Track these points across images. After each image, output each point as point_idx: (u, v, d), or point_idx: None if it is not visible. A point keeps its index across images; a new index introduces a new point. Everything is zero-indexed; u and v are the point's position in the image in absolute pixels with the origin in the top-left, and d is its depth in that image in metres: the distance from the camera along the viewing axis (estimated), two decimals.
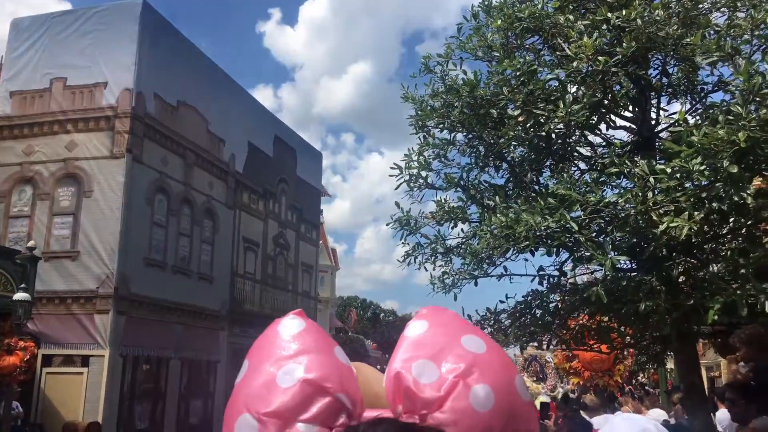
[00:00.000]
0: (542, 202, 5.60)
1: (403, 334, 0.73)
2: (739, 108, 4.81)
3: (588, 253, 5.59)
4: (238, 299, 22.22)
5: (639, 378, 20.35)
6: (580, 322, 7.56)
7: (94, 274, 16.56)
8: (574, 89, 6.45)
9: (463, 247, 7.37)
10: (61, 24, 18.54)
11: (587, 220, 5.68)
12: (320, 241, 32.24)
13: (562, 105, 5.90)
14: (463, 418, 0.64)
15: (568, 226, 5.45)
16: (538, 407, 13.15)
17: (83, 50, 18.04)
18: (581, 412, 7.87)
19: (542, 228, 5.43)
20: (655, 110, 7.13)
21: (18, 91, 18.36)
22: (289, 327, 0.72)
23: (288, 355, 0.68)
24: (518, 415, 0.67)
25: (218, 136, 21.60)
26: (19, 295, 13.72)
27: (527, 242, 5.52)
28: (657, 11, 5.88)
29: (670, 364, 14.28)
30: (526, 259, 7.03)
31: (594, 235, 5.72)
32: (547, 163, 7.39)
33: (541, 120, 6.15)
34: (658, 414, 10.07)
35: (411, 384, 0.66)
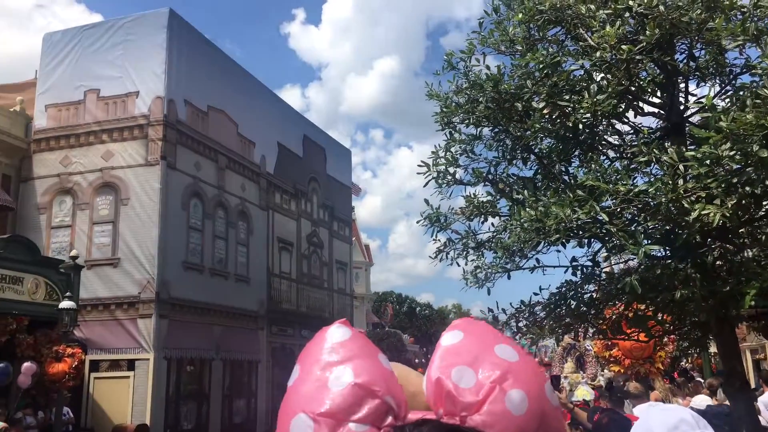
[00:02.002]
0: (571, 194, 5.58)
1: (439, 343, 0.79)
2: (766, 91, 4.74)
3: (620, 243, 5.55)
4: (275, 299, 22.51)
5: (682, 364, 20.03)
6: (617, 311, 7.50)
7: (135, 279, 16.96)
8: (599, 77, 6.40)
9: (494, 241, 7.37)
10: (92, 36, 18.96)
11: (618, 210, 5.64)
12: (353, 238, 32.43)
13: (587, 95, 5.86)
14: (500, 420, 0.69)
15: (598, 217, 5.43)
16: (580, 398, 13.07)
17: (114, 61, 18.43)
18: (625, 400, 7.82)
19: (572, 220, 5.42)
20: (683, 95, 7.03)
21: (53, 104, 18.86)
22: (336, 334, 0.79)
23: (337, 360, 0.75)
24: (549, 419, 0.72)
25: (248, 139, 21.87)
26: (65, 304, 14.14)
27: (558, 235, 5.52)
28: None
29: (713, 348, 14.05)
30: (559, 251, 7.01)
31: (626, 224, 5.68)
32: (576, 153, 7.34)
33: (567, 111, 6.12)
34: (701, 400, 9.93)
35: (452, 388, 0.71)
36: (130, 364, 16.58)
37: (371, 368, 0.73)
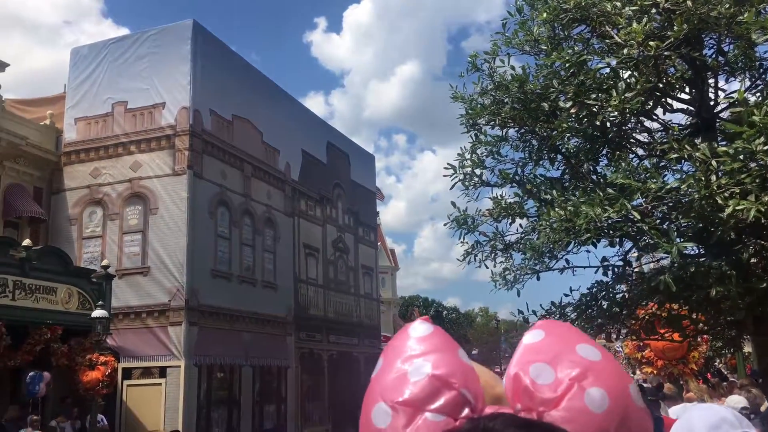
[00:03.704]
0: (601, 193, 5.53)
1: (521, 342, 0.80)
2: None
3: (653, 242, 5.48)
4: (302, 304, 22.60)
5: (716, 364, 19.67)
6: (650, 311, 7.40)
7: (164, 287, 17.17)
8: (626, 75, 6.34)
9: (522, 242, 7.34)
10: (118, 50, 19.29)
11: (649, 208, 5.58)
12: (378, 243, 32.45)
13: (615, 93, 5.81)
14: (579, 416, 0.69)
15: (629, 215, 5.38)
16: None
17: (140, 73, 18.72)
18: (660, 402, 7.71)
19: (603, 219, 5.37)
20: (713, 90, 6.93)
21: (82, 117, 19.20)
22: (418, 330, 0.81)
23: (417, 353, 0.76)
24: (632, 420, 0.72)
25: (273, 147, 22.03)
26: (97, 313, 14.36)
27: (588, 234, 5.47)
28: None
29: (748, 348, 13.78)
30: (589, 251, 6.96)
31: (657, 222, 5.61)
32: (603, 152, 7.28)
33: (594, 110, 6.08)
34: (737, 401, 9.73)
35: (529, 384, 0.72)
36: (162, 371, 16.76)
37: (450, 362, 0.74)
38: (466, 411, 0.71)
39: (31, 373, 13.38)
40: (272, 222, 21.47)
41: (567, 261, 7.00)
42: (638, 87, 5.80)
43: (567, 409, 0.70)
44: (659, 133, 6.98)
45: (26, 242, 14.55)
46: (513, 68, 6.80)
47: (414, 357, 0.75)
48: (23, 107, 19.98)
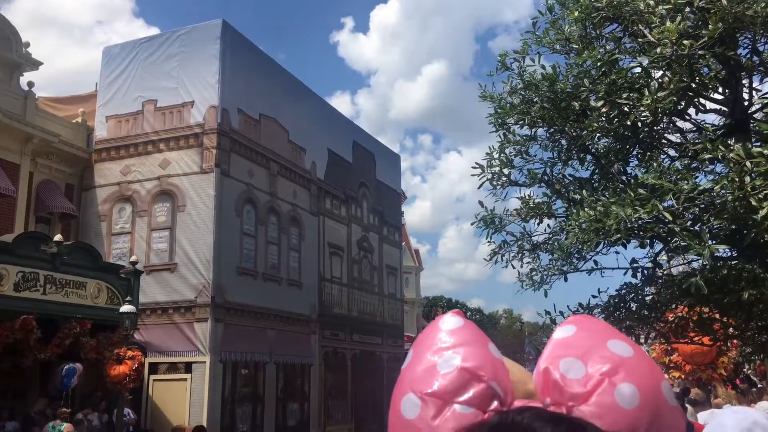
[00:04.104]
0: (632, 193, 5.47)
1: (552, 337, 0.80)
2: None
3: (684, 243, 5.41)
4: (326, 303, 22.70)
5: (745, 370, 19.32)
6: (679, 314, 7.30)
7: (191, 284, 17.36)
8: (658, 75, 6.26)
9: (550, 242, 7.29)
10: (148, 49, 19.56)
11: (681, 209, 5.51)
12: (403, 243, 32.45)
13: (647, 93, 5.74)
14: (609, 412, 0.69)
15: (660, 216, 5.31)
16: None
17: (170, 72, 18.96)
18: (688, 407, 7.60)
19: (633, 220, 5.32)
20: (747, 91, 6.82)
21: (113, 115, 19.50)
22: (449, 322, 0.81)
23: (447, 346, 0.76)
24: (664, 417, 0.71)
25: (299, 146, 22.16)
26: (125, 308, 14.57)
27: (618, 235, 5.41)
28: None
29: None
30: (617, 252, 6.89)
31: (689, 224, 5.54)
32: (634, 153, 7.20)
33: (626, 109, 6.02)
34: (767, 407, 9.56)
35: (558, 378, 0.72)
36: (188, 367, 16.95)
37: (479, 355, 0.75)
38: (495, 404, 0.71)
39: (66, 366, 13.59)
40: (297, 221, 21.60)
41: (595, 262, 6.94)
42: (671, 86, 5.73)
43: (597, 405, 0.70)
44: (691, 134, 6.88)
45: (57, 237, 14.81)
46: (543, 67, 6.76)
47: (444, 349, 0.76)
48: (56, 105, 20.36)
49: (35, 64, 18.45)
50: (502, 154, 7.29)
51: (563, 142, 7.36)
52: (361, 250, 25.84)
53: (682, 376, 14.66)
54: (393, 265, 28.62)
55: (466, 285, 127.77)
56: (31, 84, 18.18)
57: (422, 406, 0.71)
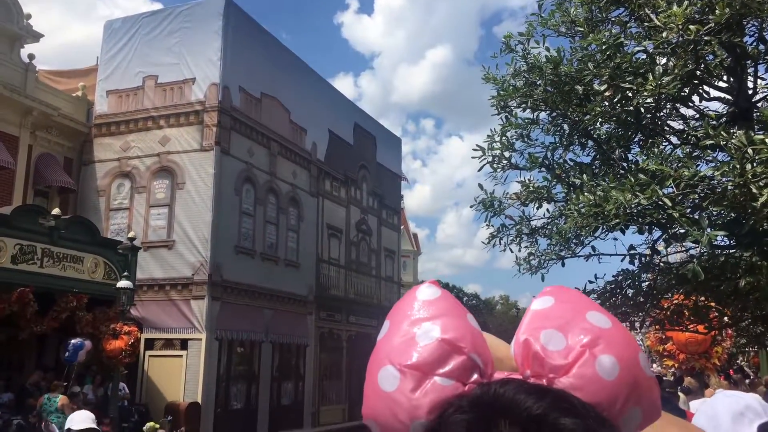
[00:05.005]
0: (632, 179, 5.45)
1: (529, 308, 0.78)
2: None
3: (683, 230, 5.40)
4: (323, 284, 22.74)
5: (738, 361, 19.42)
6: (675, 301, 7.31)
7: (188, 262, 17.37)
8: (663, 61, 6.21)
9: (549, 227, 7.27)
10: (150, 24, 19.41)
11: (680, 196, 5.49)
12: (401, 227, 32.46)
13: (651, 77, 5.70)
14: (589, 384, 0.68)
15: (660, 202, 5.29)
16: None
17: (171, 48, 18.84)
18: (681, 395, 7.64)
19: (633, 205, 5.30)
20: (752, 79, 6.77)
21: (113, 90, 19.40)
22: (426, 293, 0.79)
23: (426, 317, 0.75)
24: (642, 388, 0.71)
25: (300, 126, 22.08)
26: (122, 283, 14.60)
27: (617, 220, 5.40)
28: None
29: None
30: (616, 239, 6.87)
31: (688, 211, 5.52)
32: (636, 139, 7.16)
33: (629, 94, 5.97)
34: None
35: (539, 350, 0.70)
36: (183, 344, 17.02)
37: (459, 326, 0.73)
38: (475, 376, 0.70)
39: (74, 341, 13.60)
40: (296, 201, 21.58)
41: (593, 248, 6.92)
42: (676, 71, 5.68)
43: (577, 376, 0.68)
44: (694, 121, 6.84)
45: (55, 211, 14.81)
46: (548, 50, 6.70)
47: (422, 320, 0.74)
48: (56, 78, 20.25)
49: (36, 37, 18.31)
50: (503, 137, 7.25)
51: (565, 126, 7.31)
52: (360, 232, 25.84)
53: (676, 365, 14.73)
54: (391, 249, 28.65)
55: (464, 270, 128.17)
56: (31, 56, 18.06)
57: (401, 378, 0.70)
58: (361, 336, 24.74)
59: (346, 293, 24.15)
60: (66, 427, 3.90)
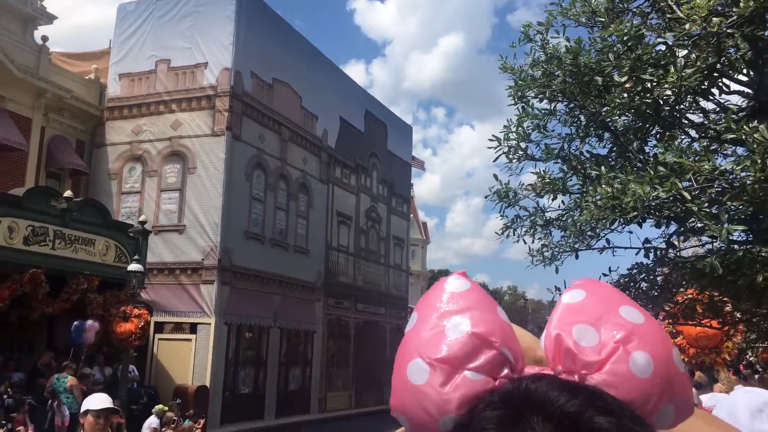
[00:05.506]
0: (651, 171, 5.40)
1: (560, 301, 0.76)
2: None
3: (701, 224, 5.35)
4: (332, 271, 22.80)
5: (747, 357, 19.36)
6: (689, 296, 7.27)
7: (199, 246, 17.45)
8: (682, 53, 6.14)
9: (563, 219, 7.23)
10: (163, 8, 19.38)
11: (698, 190, 5.44)
12: (411, 215, 32.44)
13: (673, 69, 5.63)
14: (623, 381, 0.67)
15: (679, 195, 5.24)
16: None
17: (184, 32, 18.81)
18: (693, 389, 7.62)
19: (651, 198, 5.25)
20: None
21: (126, 73, 19.41)
22: (455, 284, 0.77)
23: (455, 309, 0.74)
24: (675, 384, 0.70)
25: (311, 112, 22.05)
26: (133, 266, 14.67)
27: (635, 213, 5.35)
28: None
29: None
30: (631, 232, 6.82)
31: (706, 206, 5.47)
32: (653, 132, 7.10)
33: (649, 86, 5.90)
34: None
35: (572, 346, 0.69)
36: (193, 328, 17.13)
37: (489, 319, 0.72)
38: (505, 371, 0.68)
39: (76, 323, 13.73)
40: (307, 188, 21.59)
41: (608, 241, 6.88)
42: (699, 63, 5.61)
43: (611, 373, 0.67)
44: (714, 115, 6.77)
45: (67, 193, 14.87)
46: (568, 39, 6.62)
47: (451, 313, 0.73)
48: (69, 60, 20.27)
49: (50, 18, 18.31)
50: (519, 128, 7.19)
51: (582, 117, 7.24)
52: (369, 220, 25.86)
53: (686, 359, 14.68)
54: (400, 237, 28.66)
55: (472, 260, 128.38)
56: (45, 38, 18.07)
57: (431, 371, 0.68)
58: (368, 324, 24.83)
59: (354, 281, 24.21)
60: (84, 408, 3.91)
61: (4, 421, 11.67)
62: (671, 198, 5.34)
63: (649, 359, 0.68)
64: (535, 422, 0.60)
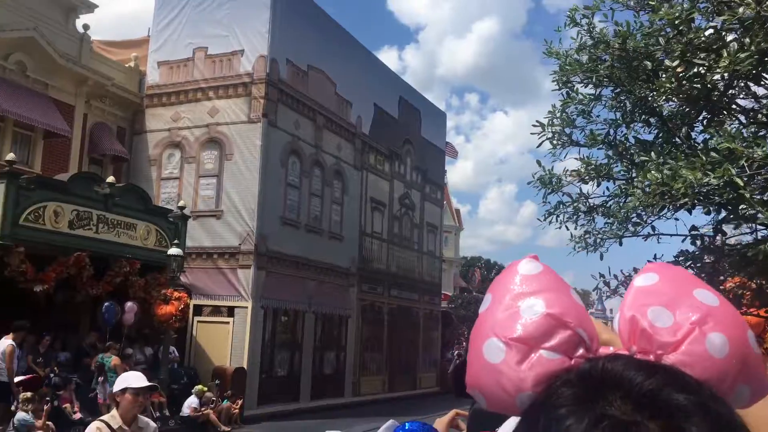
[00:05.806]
0: (703, 157, 5.33)
1: (632, 284, 0.78)
2: None
3: (752, 211, 5.27)
4: (366, 257, 22.92)
5: None
6: (735, 284, 7.17)
7: (236, 231, 17.69)
8: (731, 38, 6.02)
9: (607, 205, 7.17)
10: None
11: (749, 177, 5.36)
12: (444, 202, 32.35)
13: (726, 54, 5.53)
14: (700, 361, 0.68)
15: (731, 182, 5.17)
16: None
17: (221, 20, 18.97)
18: None
19: (703, 184, 5.19)
20: None
21: (164, 61, 19.67)
22: (527, 267, 0.79)
23: (529, 291, 0.75)
24: (751, 366, 0.70)
25: (346, 99, 22.09)
26: (173, 251, 14.95)
27: (686, 199, 5.30)
28: None
29: None
30: (677, 219, 6.74)
31: (758, 192, 5.39)
32: (701, 118, 6.98)
33: (701, 71, 5.81)
34: None
35: (647, 326, 0.70)
36: (230, 311, 17.42)
37: (564, 301, 0.74)
38: (581, 351, 0.70)
39: (106, 304, 14.09)
40: (341, 174, 21.69)
41: (653, 227, 6.80)
42: (753, 47, 5.50)
43: (687, 353, 0.68)
44: (765, 100, 6.63)
45: (110, 179, 15.19)
46: (617, 23, 6.54)
47: (525, 294, 0.74)
48: (109, 48, 20.59)
49: (91, 7, 18.61)
50: (563, 113, 7.13)
51: (628, 103, 7.15)
52: (403, 206, 25.89)
53: None
54: (433, 223, 28.64)
55: (505, 246, 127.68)
56: (86, 27, 18.37)
57: (507, 350, 0.70)
58: (402, 309, 24.93)
59: (388, 266, 24.31)
60: (122, 386, 3.91)
61: (51, 398, 12.04)
62: (722, 184, 5.27)
63: (725, 340, 0.69)
64: (613, 400, 0.61)
